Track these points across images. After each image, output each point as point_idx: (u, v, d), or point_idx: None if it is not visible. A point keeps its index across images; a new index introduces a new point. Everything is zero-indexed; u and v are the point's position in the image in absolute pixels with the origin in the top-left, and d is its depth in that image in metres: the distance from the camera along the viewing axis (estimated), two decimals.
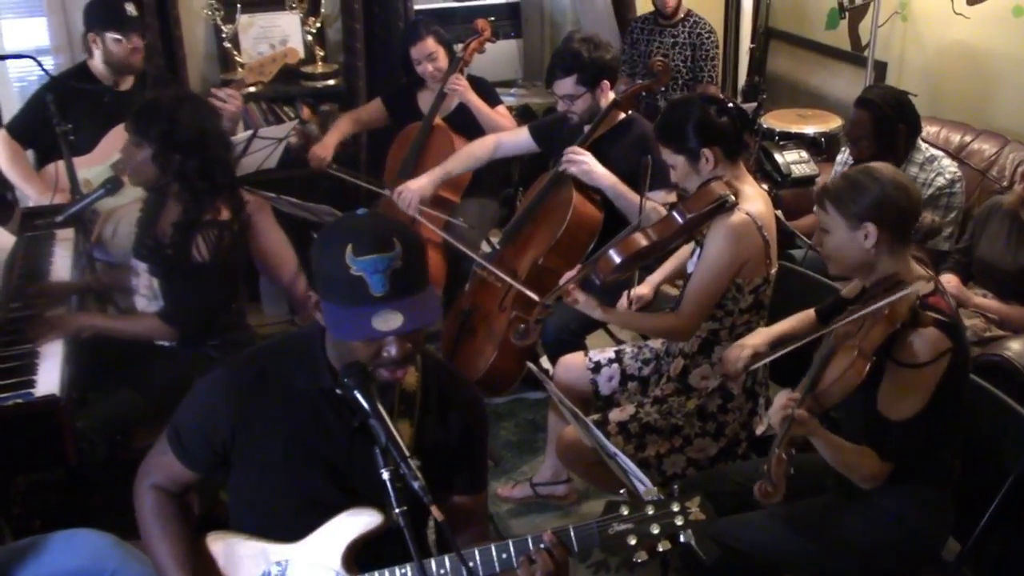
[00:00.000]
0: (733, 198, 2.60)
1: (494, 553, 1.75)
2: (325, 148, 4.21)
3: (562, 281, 2.80)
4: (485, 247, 4.05)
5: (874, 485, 2.17)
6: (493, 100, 4.15)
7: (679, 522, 1.71)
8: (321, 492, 1.86)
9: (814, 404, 2.09)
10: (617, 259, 2.66)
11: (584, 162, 3.28)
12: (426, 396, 1.90)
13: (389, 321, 1.64)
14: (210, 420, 1.90)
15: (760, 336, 2.58)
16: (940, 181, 3.43)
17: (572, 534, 1.74)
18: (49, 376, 2.56)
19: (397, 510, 1.61)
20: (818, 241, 2.34)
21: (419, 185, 3.58)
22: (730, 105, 2.72)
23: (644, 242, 2.65)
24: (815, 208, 2.35)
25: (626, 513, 1.73)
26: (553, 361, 3.20)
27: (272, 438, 1.86)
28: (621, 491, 1.80)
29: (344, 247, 1.65)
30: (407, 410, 1.82)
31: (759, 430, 2.82)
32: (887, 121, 3.42)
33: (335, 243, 1.67)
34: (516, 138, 3.71)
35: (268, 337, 2.19)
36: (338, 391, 1.81)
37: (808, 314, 2.62)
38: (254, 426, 1.87)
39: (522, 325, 2.76)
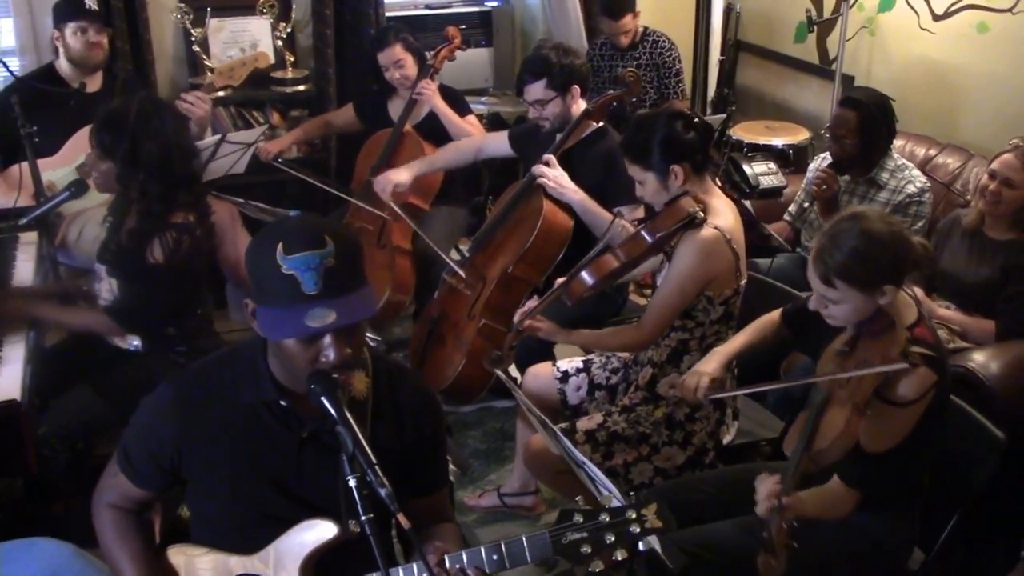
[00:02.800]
0: (702, 214, 2.60)
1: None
2: (277, 143, 4.26)
3: (532, 305, 2.79)
4: (454, 255, 4.05)
5: (844, 515, 2.18)
6: (463, 109, 4.14)
7: (635, 530, 1.67)
8: (272, 505, 1.83)
9: (811, 464, 2.07)
10: (590, 281, 2.67)
11: (556, 176, 3.29)
12: (377, 402, 1.87)
13: (322, 319, 1.61)
14: (155, 440, 1.88)
15: (715, 360, 2.51)
16: (911, 188, 3.46)
17: (525, 543, 1.72)
18: (10, 380, 2.52)
19: (364, 517, 1.59)
20: (819, 306, 2.19)
21: (398, 173, 3.65)
22: (695, 120, 2.70)
23: (615, 263, 2.66)
24: (816, 284, 2.16)
25: (581, 521, 1.70)
26: (521, 369, 3.20)
27: (218, 453, 1.84)
28: (578, 498, 1.77)
29: (275, 246, 1.62)
30: (357, 417, 1.80)
31: (726, 439, 2.83)
32: (872, 121, 3.45)
33: (266, 244, 1.64)
34: (497, 141, 3.78)
35: (234, 343, 2.17)
36: (283, 403, 1.80)
37: (770, 319, 2.61)
38: (200, 443, 1.85)
39: (497, 352, 2.75)
